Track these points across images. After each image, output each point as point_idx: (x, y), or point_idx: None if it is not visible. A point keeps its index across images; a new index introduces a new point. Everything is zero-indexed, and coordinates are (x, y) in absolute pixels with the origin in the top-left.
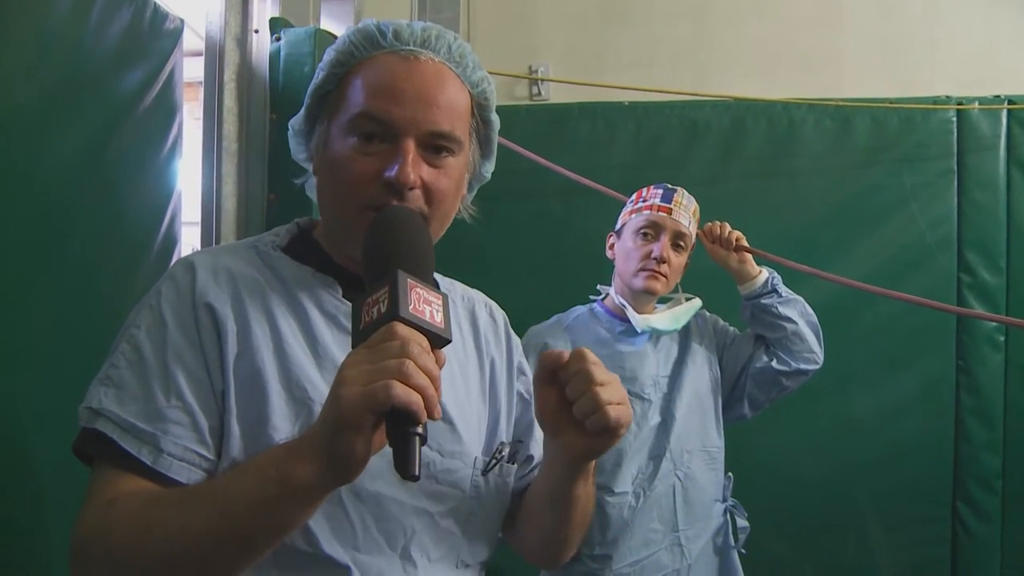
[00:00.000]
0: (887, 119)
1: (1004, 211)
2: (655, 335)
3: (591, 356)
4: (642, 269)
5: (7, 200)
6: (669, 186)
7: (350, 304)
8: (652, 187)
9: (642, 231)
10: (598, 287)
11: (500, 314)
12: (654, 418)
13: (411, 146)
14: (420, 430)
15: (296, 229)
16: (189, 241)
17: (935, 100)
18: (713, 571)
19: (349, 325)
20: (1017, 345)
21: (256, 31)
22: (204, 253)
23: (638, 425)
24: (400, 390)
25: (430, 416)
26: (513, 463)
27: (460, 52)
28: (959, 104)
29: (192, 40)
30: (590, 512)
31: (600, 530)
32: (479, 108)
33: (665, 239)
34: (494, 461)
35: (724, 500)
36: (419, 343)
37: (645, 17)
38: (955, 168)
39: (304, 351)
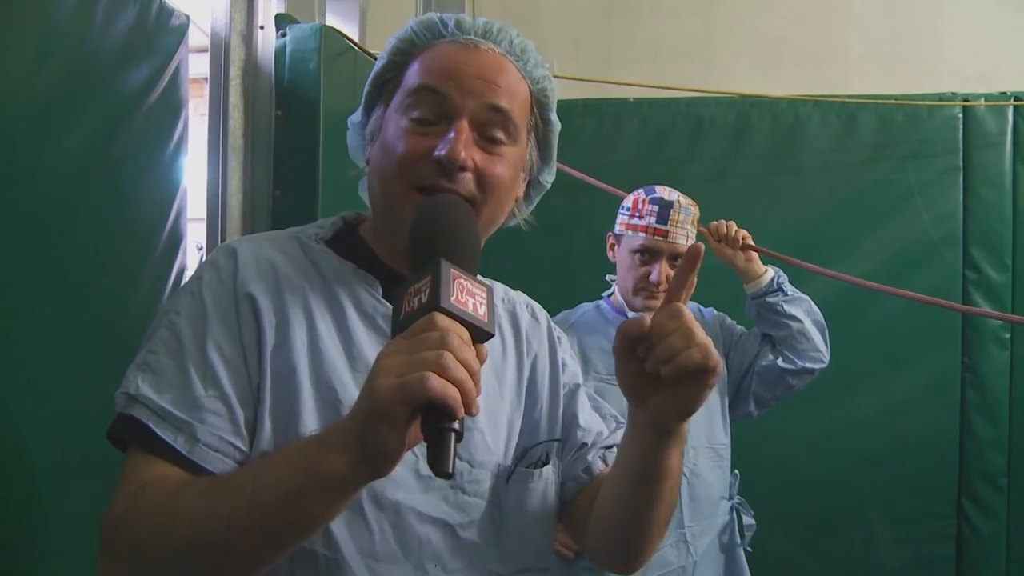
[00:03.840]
0: (893, 116)
1: (1010, 208)
2: None
3: (687, 312)
4: (641, 289)
5: (12, 197)
6: (665, 197)
7: (389, 305)
8: (647, 198)
9: (638, 253)
10: (607, 277)
11: (543, 314)
12: None
13: (465, 126)
14: (456, 426)
15: (342, 223)
16: (195, 237)
17: (941, 97)
18: (719, 568)
19: (386, 327)
20: (1023, 342)
21: (262, 27)
22: (247, 241)
23: None
24: (436, 383)
25: (467, 412)
26: (544, 465)
27: (522, 47)
28: (965, 101)
29: (197, 36)
30: (676, 495)
31: None
32: (539, 106)
33: (662, 263)
34: (513, 467)
35: (730, 498)
36: (460, 335)
37: (650, 13)
38: (961, 165)
39: (338, 351)
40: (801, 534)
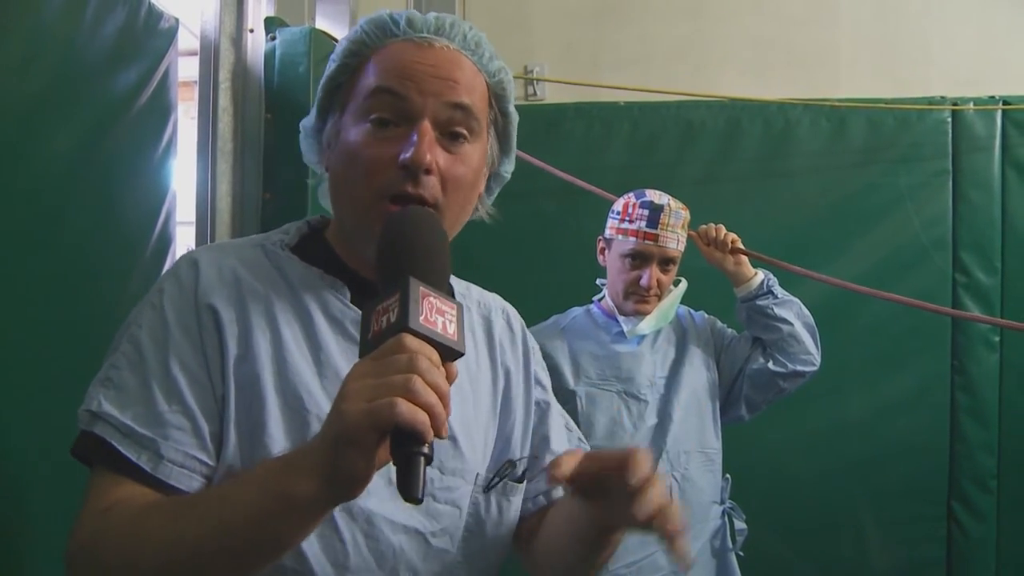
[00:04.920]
0: (882, 119)
1: (999, 212)
2: (652, 334)
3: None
4: (632, 293)
5: None
6: (655, 201)
7: (358, 310)
8: (637, 202)
9: (629, 257)
10: (597, 282)
11: (518, 321)
12: (651, 419)
13: (427, 127)
14: (425, 450)
15: (307, 228)
16: (184, 241)
17: (930, 100)
18: (711, 573)
19: (355, 332)
20: (1012, 345)
21: (251, 30)
22: (209, 250)
23: (635, 426)
24: (405, 408)
25: (437, 435)
26: (522, 481)
27: (476, 40)
28: (954, 105)
29: (187, 39)
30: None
31: None
32: (497, 99)
33: (653, 267)
34: (498, 479)
35: (722, 502)
36: (429, 357)
37: (641, 16)
38: (950, 169)
39: (306, 359)
40: (792, 537)
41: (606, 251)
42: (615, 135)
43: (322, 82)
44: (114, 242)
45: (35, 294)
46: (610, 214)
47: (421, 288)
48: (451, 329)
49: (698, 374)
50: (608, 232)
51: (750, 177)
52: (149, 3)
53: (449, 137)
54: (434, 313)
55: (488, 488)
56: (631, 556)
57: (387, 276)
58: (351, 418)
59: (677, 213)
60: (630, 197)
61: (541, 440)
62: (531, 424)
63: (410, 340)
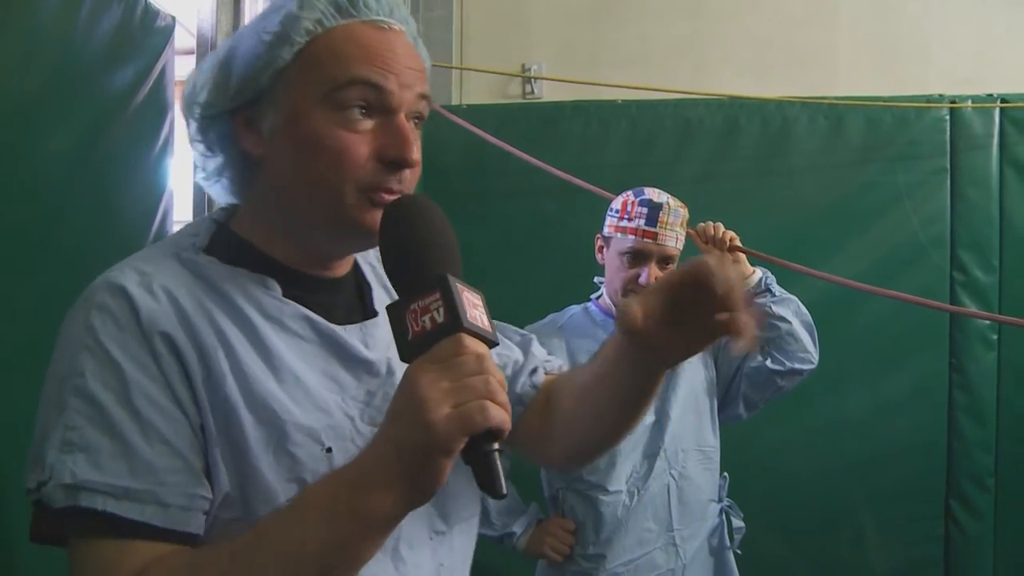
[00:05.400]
0: (880, 117)
1: (997, 210)
2: None
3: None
4: (630, 291)
5: None
6: (654, 199)
7: (292, 303)
8: (636, 200)
9: (627, 255)
10: (595, 279)
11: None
12: (648, 417)
13: (405, 122)
14: (498, 446)
15: (215, 226)
16: None
17: (928, 98)
18: (708, 571)
19: (295, 327)
20: (1010, 343)
21: None
22: (126, 271)
23: None
24: (494, 411)
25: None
26: None
27: (412, 23)
28: (952, 102)
29: (184, 38)
30: None
31: (594, 529)
32: None
33: (652, 265)
34: None
35: (720, 500)
36: (489, 355)
37: (638, 15)
38: (948, 167)
39: (260, 366)
40: (790, 536)
41: (604, 249)
42: (613, 133)
43: (254, 60)
44: (111, 241)
45: (31, 293)
46: (608, 212)
47: (458, 284)
48: (486, 320)
49: (695, 372)
50: (607, 230)
51: (748, 175)
52: (145, 1)
53: (413, 127)
54: (472, 308)
55: None
56: (628, 555)
57: (413, 275)
58: (442, 427)
59: (676, 211)
60: (629, 195)
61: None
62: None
63: (469, 340)
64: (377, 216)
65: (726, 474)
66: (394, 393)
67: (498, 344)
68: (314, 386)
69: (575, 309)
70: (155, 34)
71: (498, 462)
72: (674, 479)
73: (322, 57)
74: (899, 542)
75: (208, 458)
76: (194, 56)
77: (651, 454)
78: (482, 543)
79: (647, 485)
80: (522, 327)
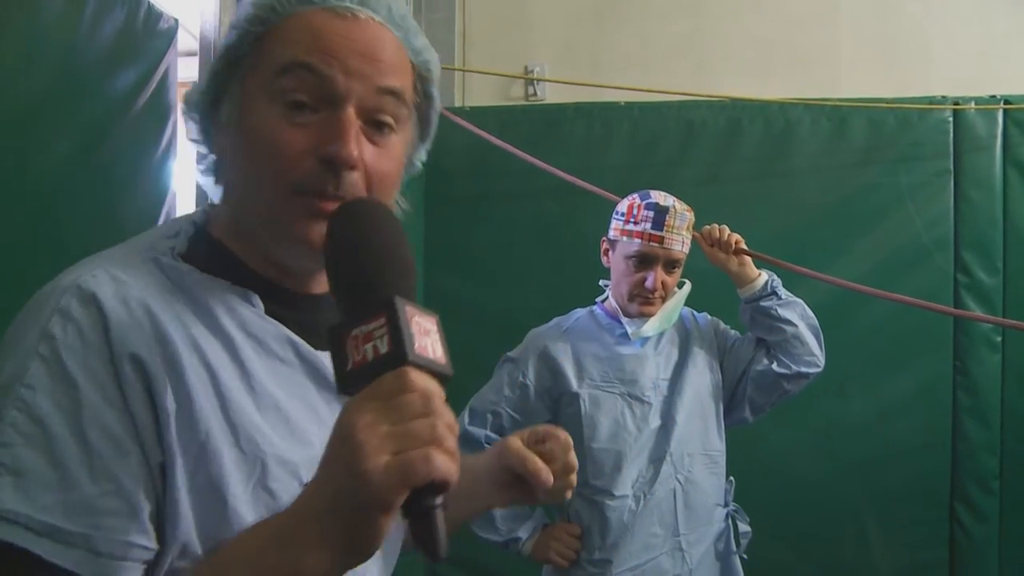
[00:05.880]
0: (883, 119)
1: (1000, 211)
2: (655, 336)
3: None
4: (637, 295)
5: None
6: (660, 203)
7: (275, 323)
8: (642, 204)
9: (634, 259)
10: (600, 282)
11: None
12: (654, 421)
13: (352, 116)
14: (441, 500)
15: (192, 228)
16: None
17: (931, 100)
18: None
19: (278, 349)
20: (1014, 345)
21: None
22: (99, 276)
23: (638, 428)
24: (441, 460)
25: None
26: None
27: (401, 14)
28: (955, 104)
29: (186, 40)
30: None
31: (600, 534)
32: (421, 80)
33: (658, 269)
34: None
35: (726, 504)
36: (439, 394)
37: (641, 16)
38: (951, 168)
39: (242, 392)
40: (794, 540)
41: (610, 252)
42: (616, 135)
43: (219, 52)
44: (114, 243)
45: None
46: (614, 215)
47: (407, 307)
48: (439, 351)
49: (701, 376)
50: (612, 233)
51: (751, 177)
52: (148, 4)
53: (374, 126)
54: (423, 336)
55: None
56: (634, 560)
57: (357, 293)
58: (380, 479)
59: (682, 215)
60: (635, 198)
61: None
62: None
63: (416, 376)
64: (317, 229)
65: (732, 478)
66: (330, 435)
67: (452, 377)
68: (294, 415)
69: (580, 312)
70: (158, 36)
71: (440, 519)
72: (680, 484)
73: (273, 45)
74: (904, 545)
75: (166, 503)
76: (196, 58)
77: (657, 458)
78: (488, 548)
79: (653, 490)
80: (525, 329)
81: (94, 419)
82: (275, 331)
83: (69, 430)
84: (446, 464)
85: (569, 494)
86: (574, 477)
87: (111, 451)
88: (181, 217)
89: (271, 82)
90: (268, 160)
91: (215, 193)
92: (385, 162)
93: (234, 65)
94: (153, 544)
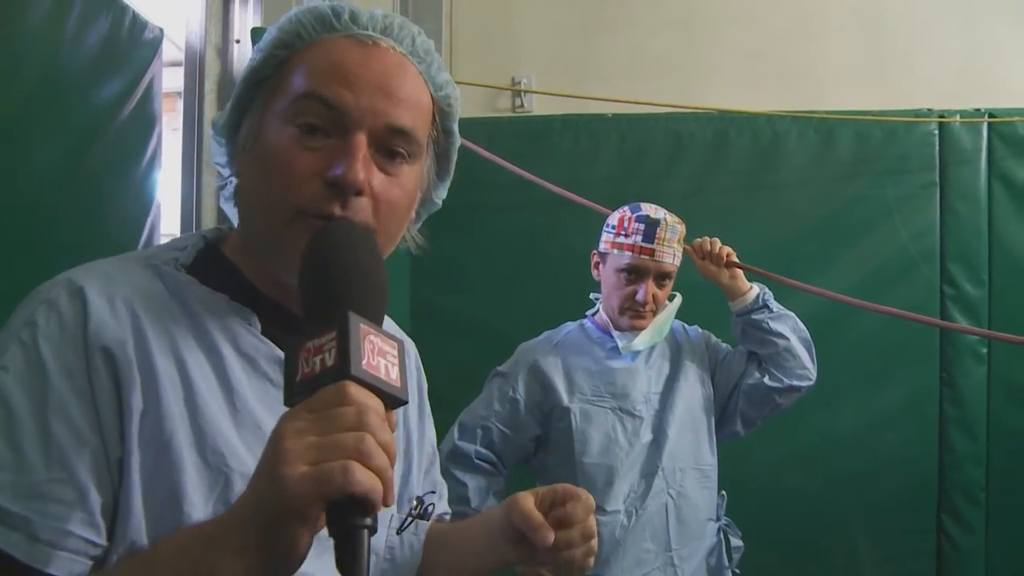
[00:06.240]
0: (870, 132)
1: (985, 224)
2: (646, 350)
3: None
4: (627, 308)
5: None
6: (651, 216)
7: (270, 344)
8: (633, 216)
9: (624, 272)
10: (591, 296)
11: (412, 349)
12: (646, 435)
13: (363, 142)
14: (370, 521)
15: (203, 243)
16: None
17: (917, 113)
18: None
19: (270, 370)
20: (999, 357)
21: (237, 41)
22: (92, 274)
23: (630, 443)
24: (361, 475)
25: (384, 503)
26: (427, 518)
27: (425, 48)
28: (941, 117)
29: (171, 50)
30: None
31: None
32: (441, 115)
33: (649, 282)
34: (410, 519)
35: (718, 519)
36: (376, 410)
37: (629, 28)
38: (937, 181)
39: (220, 406)
40: (784, 552)
41: (601, 265)
42: (603, 147)
43: (243, 75)
44: (98, 254)
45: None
46: (605, 228)
47: (362, 325)
48: (394, 374)
49: (693, 390)
50: (603, 246)
51: (738, 189)
52: (133, 13)
53: (386, 154)
54: (376, 355)
55: (401, 530)
56: (627, 575)
57: (317, 307)
58: (294, 486)
59: (673, 228)
60: (625, 211)
61: (434, 481)
62: (425, 463)
63: (355, 390)
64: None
65: (724, 492)
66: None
67: (405, 402)
68: None
69: (571, 326)
70: (143, 46)
71: (364, 541)
72: (672, 498)
73: (293, 70)
74: (892, 556)
75: (119, 499)
76: (181, 69)
77: (649, 473)
78: None
79: (645, 505)
80: (515, 343)
81: (59, 407)
82: (268, 352)
83: (32, 415)
84: (367, 480)
85: (592, 562)
86: (595, 543)
87: (70, 440)
88: (192, 233)
89: (288, 107)
90: (277, 181)
91: (236, 216)
92: (395, 191)
93: (256, 87)
94: (101, 539)
